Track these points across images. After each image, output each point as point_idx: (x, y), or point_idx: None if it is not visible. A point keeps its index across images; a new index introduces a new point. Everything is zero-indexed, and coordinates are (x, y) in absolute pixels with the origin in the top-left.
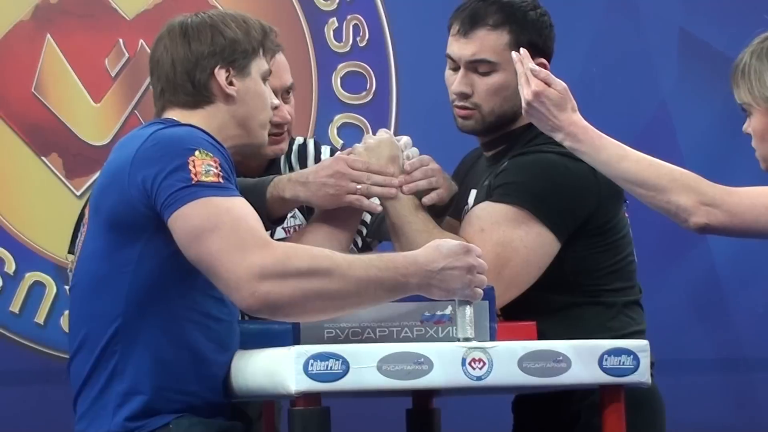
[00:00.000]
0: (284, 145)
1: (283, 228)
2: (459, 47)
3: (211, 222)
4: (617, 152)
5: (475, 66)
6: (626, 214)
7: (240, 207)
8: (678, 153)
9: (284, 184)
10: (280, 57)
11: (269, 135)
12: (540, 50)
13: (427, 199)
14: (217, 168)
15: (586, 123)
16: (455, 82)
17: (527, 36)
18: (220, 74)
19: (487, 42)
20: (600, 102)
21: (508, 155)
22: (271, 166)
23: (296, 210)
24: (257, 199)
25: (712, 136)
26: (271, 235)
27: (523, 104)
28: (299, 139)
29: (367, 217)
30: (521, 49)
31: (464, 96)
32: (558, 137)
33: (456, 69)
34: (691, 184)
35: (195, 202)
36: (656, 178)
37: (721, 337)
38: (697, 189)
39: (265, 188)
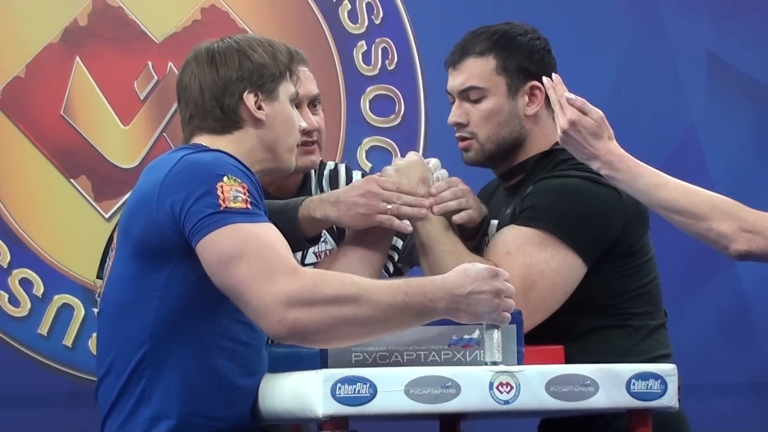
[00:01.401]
0: (315, 158)
1: (314, 253)
2: (451, 80)
3: (239, 249)
4: (655, 181)
5: (467, 94)
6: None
7: (268, 233)
8: (707, 177)
9: (315, 204)
10: (304, 69)
11: (299, 145)
12: (532, 74)
13: (457, 218)
14: (245, 194)
15: (622, 151)
16: (450, 114)
17: (515, 60)
18: (249, 99)
19: (474, 69)
20: (628, 126)
21: (529, 183)
22: (303, 189)
23: (327, 235)
24: (288, 220)
25: (740, 160)
26: (303, 257)
27: (558, 132)
28: (330, 164)
29: (399, 243)
30: (553, 75)
31: (460, 126)
32: (594, 166)
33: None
34: (730, 210)
35: (223, 229)
36: (695, 206)
37: (749, 361)
38: (737, 216)
39: (296, 209)
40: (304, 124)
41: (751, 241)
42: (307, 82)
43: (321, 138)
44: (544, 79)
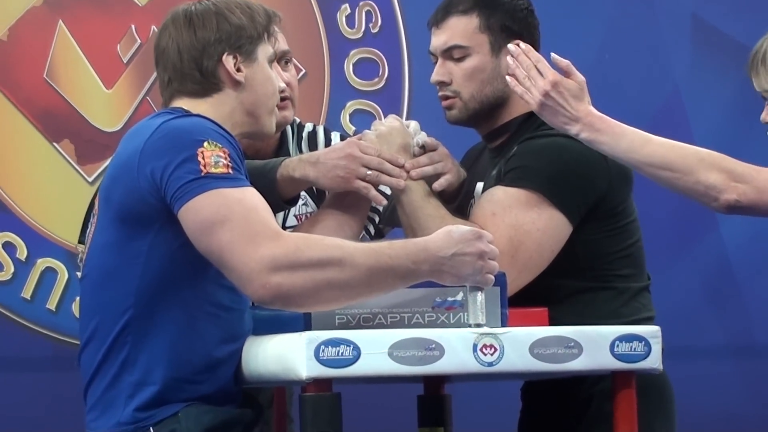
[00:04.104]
0: (288, 114)
1: (295, 215)
2: (435, 39)
3: (222, 214)
4: (639, 138)
5: (450, 53)
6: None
7: (250, 198)
8: (690, 140)
9: (294, 164)
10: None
11: None
12: (515, 33)
13: (436, 185)
14: (226, 159)
15: (602, 114)
16: (433, 73)
17: (498, 19)
18: (228, 61)
19: (457, 28)
20: (612, 89)
21: (514, 143)
22: (280, 151)
23: (307, 197)
24: (267, 180)
25: (724, 123)
26: (284, 219)
27: (536, 95)
28: (309, 126)
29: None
30: (520, 44)
31: (443, 85)
32: (574, 129)
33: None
34: (718, 162)
35: (205, 194)
36: (682, 159)
37: (733, 324)
38: (726, 167)
39: (275, 169)
40: (282, 84)
41: (740, 192)
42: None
43: (293, 94)
44: (510, 47)
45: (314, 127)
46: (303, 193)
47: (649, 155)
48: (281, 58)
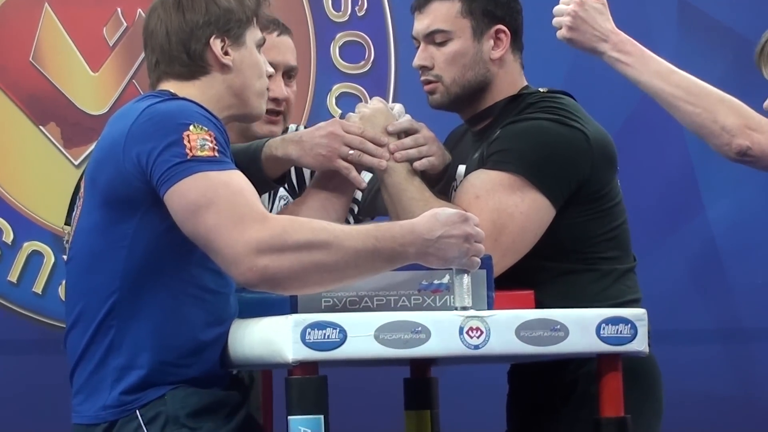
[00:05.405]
0: (277, 129)
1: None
2: (417, 24)
3: (207, 197)
4: (665, 66)
5: (432, 38)
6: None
7: (236, 181)
8: (676, 123)
9: (277, 144)
10: (287, 39)
11: (267, 104)
12: (497, 18)
13: (419, 164)
14: (212, 142)
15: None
16: (415, 57)
17: (480, 3)
18: (216, 44)
19: (439, 12)
20: (598, 72)
21: (496, 127)
22: None
23: (289, 197)
24: (252, 161)
25: None
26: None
27: (565, 21)
28: (293, 127)
29: (358, 194)
30: None
31: (425, 69)
32: (602, 47)
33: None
34: (737, 107)
35: (191, 178)
36: (706, 96)
37: (719, 308)
38: (744, 113)
39: (259, 150)
40: (271, 70)
41: (754, 140)
42: (288, 53)
43: (288, 110)
44: None
45: (297, 128)
46: (284, 192)
47: (676, 84)
48: (287, 72)
